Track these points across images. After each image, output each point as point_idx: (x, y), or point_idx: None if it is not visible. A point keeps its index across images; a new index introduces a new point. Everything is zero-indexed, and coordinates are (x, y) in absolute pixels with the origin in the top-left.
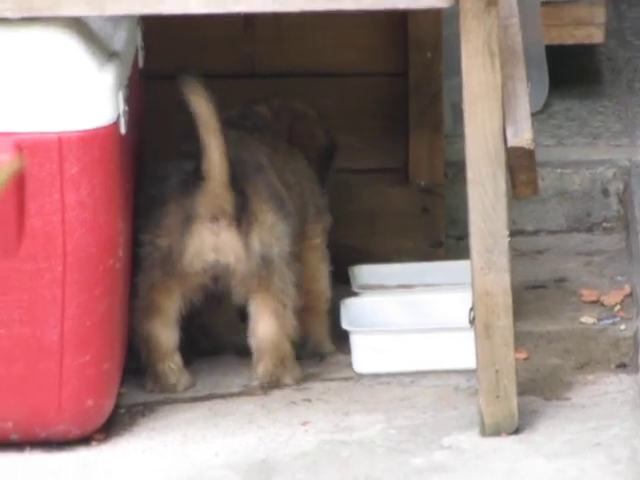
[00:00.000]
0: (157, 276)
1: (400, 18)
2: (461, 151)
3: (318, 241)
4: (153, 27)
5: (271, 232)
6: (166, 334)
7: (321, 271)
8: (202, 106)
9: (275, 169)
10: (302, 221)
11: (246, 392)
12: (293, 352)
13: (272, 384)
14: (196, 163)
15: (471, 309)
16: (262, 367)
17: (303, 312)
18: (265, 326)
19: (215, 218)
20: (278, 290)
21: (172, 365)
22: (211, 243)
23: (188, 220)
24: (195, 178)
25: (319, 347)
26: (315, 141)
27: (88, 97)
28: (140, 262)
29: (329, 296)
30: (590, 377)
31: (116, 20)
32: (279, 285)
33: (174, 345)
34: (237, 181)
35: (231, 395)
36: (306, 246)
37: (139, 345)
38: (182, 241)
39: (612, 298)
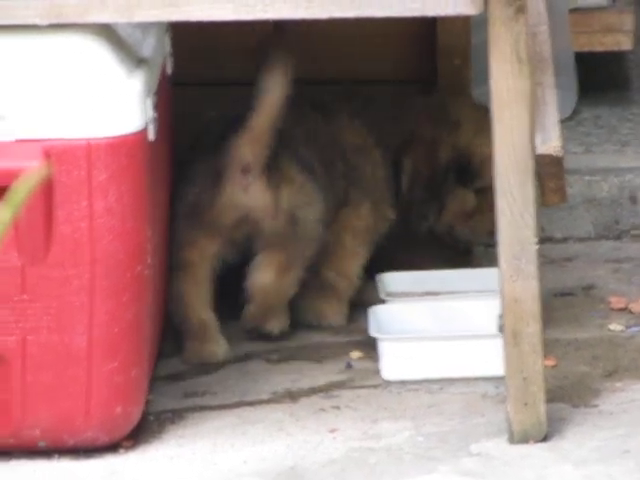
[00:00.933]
0: (187, 230)
1: (429, 26)
2: None
3: (361, 224)
4: (182, 34)
5: (300, 192)
6: (198, 291)
7: (353, 255)
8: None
9: (315, 143)
10: (338, 198)
11: (275, 399)
12: (284, 306)
13: (254, 330)
14: (237, 115)
15: (500, 316)
16: (248, 311)
17: (321, 290)
18: (263, 274)
19: (246, 170)
20: (292, 248)
21: (208, 326)
22: (240, 195)
23: (219, 172)
24: (231, 130)
25: (317, 319)
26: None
27: (117, 104)
28: (172, 219)
29: (354, 284)
30: (618, 384)
31: (145, 27)
32: (295, 244)
33: (208, 304)
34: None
35: (260, 402)
36: (344, 226)
37: (173, 309)
38: (212, 193)
39: None
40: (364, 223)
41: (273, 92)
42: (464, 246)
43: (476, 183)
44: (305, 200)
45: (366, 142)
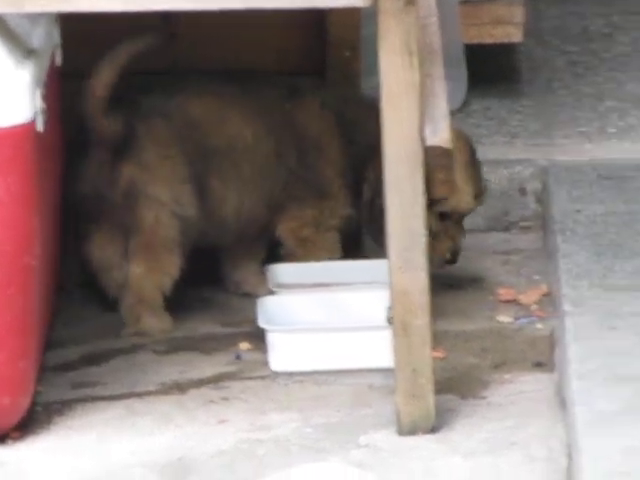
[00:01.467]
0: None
1: (319, 17)
2: None
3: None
4: (71, 25)
5: (146, 171)
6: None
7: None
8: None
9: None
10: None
11: (163, 391)
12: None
13: (131, 321)
14: None
15: (388, 308)
16: (123, 304)
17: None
18: (132, 267)
19: (97, 144)
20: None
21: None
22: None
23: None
24: None
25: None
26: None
27: (5, 94)
28: None
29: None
30: (507, 376)
31: (34, 17)
32: (141, 230)
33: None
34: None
35: (148, 394)
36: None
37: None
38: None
39: (529, 297)
40: (307, 227)
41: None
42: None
43: (436, 207)
44: (152, 179)
45: (331, 137)
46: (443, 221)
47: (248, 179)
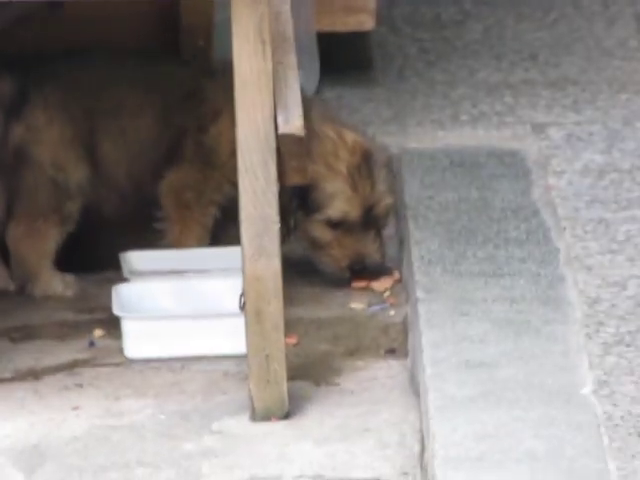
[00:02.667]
0: None
1: (172, 4)
2: None
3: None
4: None
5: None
6: None
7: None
8: None
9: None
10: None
11: (18, 378)
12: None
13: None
14: None
15: (242, 295)
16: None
17: None
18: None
19: None
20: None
21: None
22: None
23: None
24: None
25: None
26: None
27: None
28: None
29: None
30: (360, 363)
31: None
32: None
33: None
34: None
35: (3, 381)
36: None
37: None
38: None
39: (382, 284)
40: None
41: None
42: (330, 277)
43: (321, 214)
44: (38, 142)
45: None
46: (334, 230)
47: (134, 141)
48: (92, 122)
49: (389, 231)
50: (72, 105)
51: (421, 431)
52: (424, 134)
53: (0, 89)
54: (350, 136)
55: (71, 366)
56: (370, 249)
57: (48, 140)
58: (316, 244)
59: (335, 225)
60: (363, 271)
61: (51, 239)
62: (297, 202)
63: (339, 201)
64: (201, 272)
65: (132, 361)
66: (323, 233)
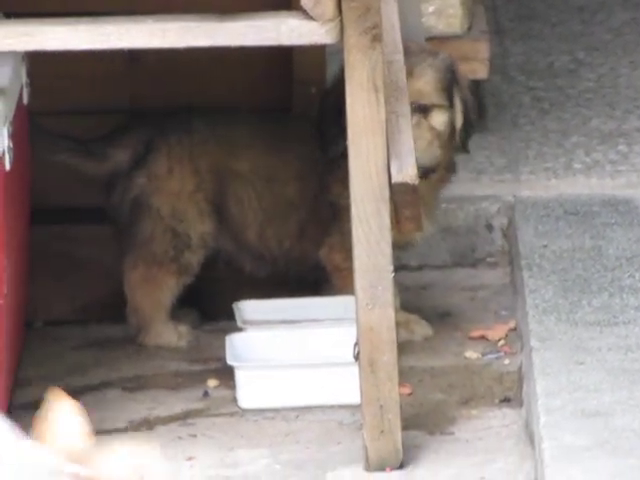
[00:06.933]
0: None
1: (285, 53)
2: None
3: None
4: (38, 63)
5: None
6: None
7: None
8: None
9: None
10: None
11: (132, 428)
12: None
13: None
14: None
15: (355, 344)
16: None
17: None
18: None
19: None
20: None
21: None
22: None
23: None
24: None
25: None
26: None
27: None
28: None
29: None
30: (474, 412)
31: (1, 56)
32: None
33: None
34: None
35: (117, 431)
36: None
37: None
38: None
39: (496, 333)
40: None
41: None
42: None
43: None
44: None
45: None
46: None
47: (268, 206)
48: (221, 182)
49: (503, 280)
50: (198, 160)
51: None
52: (537, 182)
53: (126, 143)
54: None
55: (185, 416)
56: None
57: (167, 190)
58: None
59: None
60: None
61: (167, 289)
62: None
63: None
64: (313, 322)
65: (246, 411)
66: None
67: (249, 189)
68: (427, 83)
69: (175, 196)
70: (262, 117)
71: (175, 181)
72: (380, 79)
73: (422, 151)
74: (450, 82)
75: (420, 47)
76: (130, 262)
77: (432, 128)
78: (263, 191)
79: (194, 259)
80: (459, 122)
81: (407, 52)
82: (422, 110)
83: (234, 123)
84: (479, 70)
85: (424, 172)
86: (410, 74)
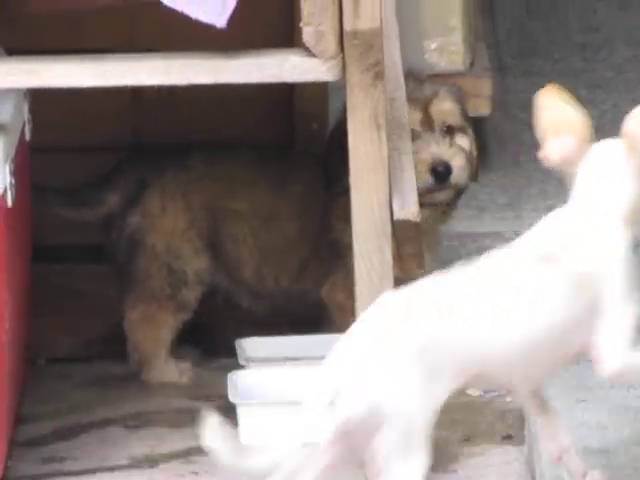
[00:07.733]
0: None
1: (287, 89)
2: None
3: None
4: (40, 100)
5: None
6: None
7: None
8: None
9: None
10: None
11: (134, 465)
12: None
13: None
14: None
15: None
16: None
17: None
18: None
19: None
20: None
21: None
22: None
23: None
24: None
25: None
26: None
27: None
28: None
29: None
30: (476, 449)
31: (2, 93)
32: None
33: None
34: None
35: (119, 468)
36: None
37: None
38: None
39: None
40: None
41: None
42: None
43: None
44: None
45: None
46: None
47: (265, 245)
48: (215, 219)
49: None
50: (192, 197)
51: None
52: (539, 220)
53: (118, 185)
54: None
55: (187, 454)
56: (448, 153)
57: (161, 228)
58: None
59: None
60: (447, 174)
61: (166, 326)
62: None
63: None
64: (316, 359)
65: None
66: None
67: (244, 227)
68: (453, 104)
69: (169, 233)
70: (262, 153)
71: (168, 218)
72: (382, 117)
73: (460, 169)
74: (464, 109)
75: (428, 77)
76: (129, 301)
77: (462, 149)
78: (260, 229)
79: (191, 295)
80: (474, 150)
81: (419, 79)
82: (449, 131)
83: (233, 159)
84: (481, 107)
85: (458, 193)
86: (435, 95)
